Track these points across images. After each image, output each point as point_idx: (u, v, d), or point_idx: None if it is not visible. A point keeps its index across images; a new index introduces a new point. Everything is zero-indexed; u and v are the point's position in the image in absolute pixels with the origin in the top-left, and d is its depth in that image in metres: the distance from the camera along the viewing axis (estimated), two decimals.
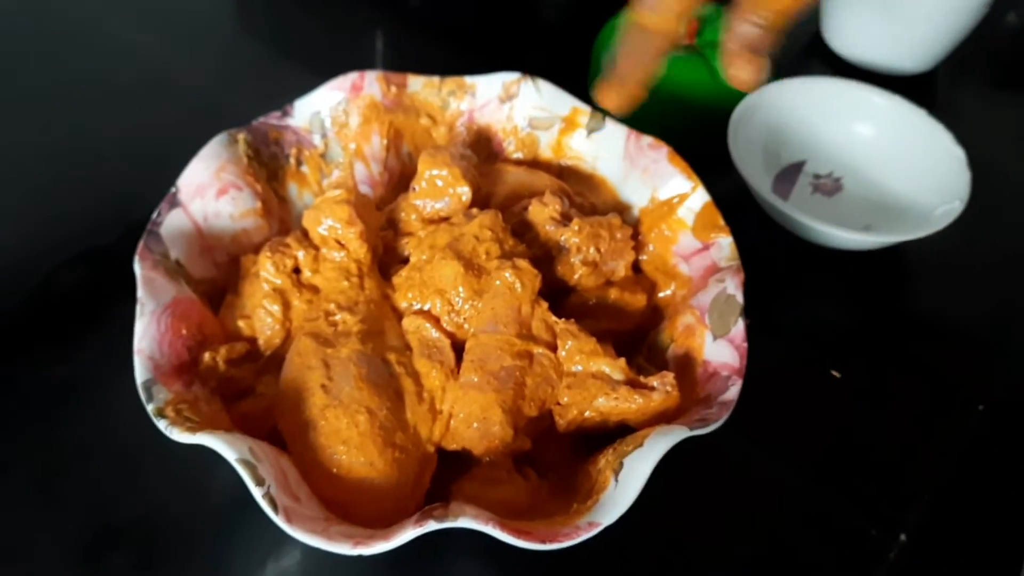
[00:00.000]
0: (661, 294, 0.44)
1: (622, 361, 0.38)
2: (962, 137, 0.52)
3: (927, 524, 0.41)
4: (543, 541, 0.32)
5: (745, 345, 0.38)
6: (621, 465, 0.34)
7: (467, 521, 0.32)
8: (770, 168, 0.55)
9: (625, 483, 0.33)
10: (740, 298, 0.39)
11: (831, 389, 0.46)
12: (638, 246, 0.44)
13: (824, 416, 0.45)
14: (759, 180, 0.50)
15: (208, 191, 0.42)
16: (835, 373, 0.46)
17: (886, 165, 0.54)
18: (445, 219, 0.42)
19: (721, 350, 0.38)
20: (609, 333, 0.41)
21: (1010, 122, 0.62)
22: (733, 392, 0.37)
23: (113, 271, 0.41)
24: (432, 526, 0.32)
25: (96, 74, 0.58)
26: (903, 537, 0.41)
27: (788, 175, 0.55)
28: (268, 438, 0.36)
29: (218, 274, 0.42)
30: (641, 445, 0.34)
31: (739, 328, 0.38)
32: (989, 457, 0.44)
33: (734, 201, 0.46)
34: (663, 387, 0.37)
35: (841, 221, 0.49)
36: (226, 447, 0.32)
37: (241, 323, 0.40)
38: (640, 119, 0.48)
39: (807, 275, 0.51)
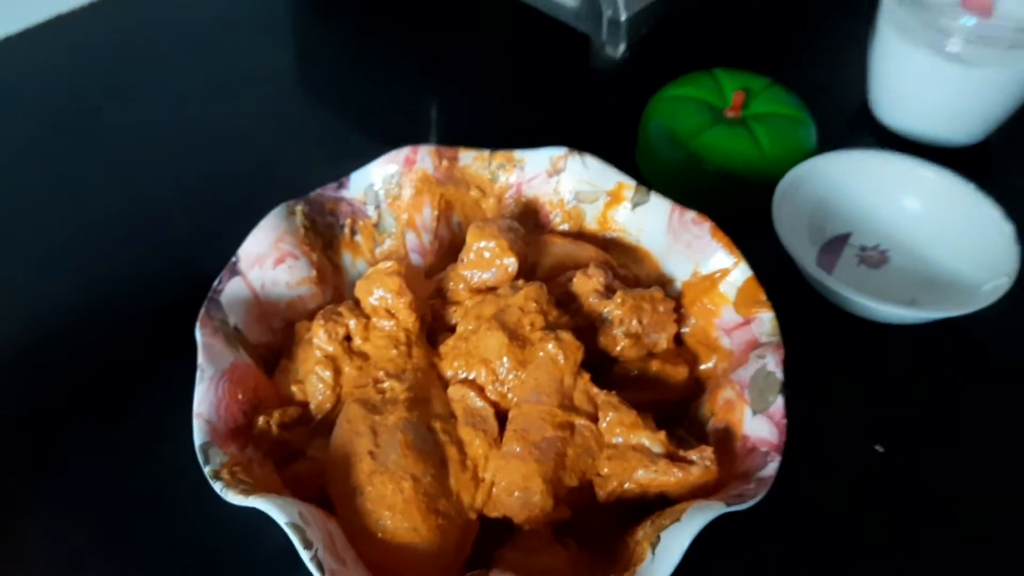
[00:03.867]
0: (703, 367, 0.45)
1: (662, 434, 0.39)
2: (1014, 211, 0.52)
3: None
4: None
5: (784, 422, 0.38)
6: (658, 539, 0.35)
7: None
8: (815, 240, 0.55)
9: (662, 557, 0.34)
10: (780, 375, 0.39)
11: (874, 465, 0.46)
12: (680, 319, 0.45)
13: (866, 490, 0.45)
14: (804, 252, 0.51)
15: (266, 260, 0.44)
16: (879, 448, 0.46)
17: (933, 238, 0.54)
18: (492, 289, 0.44)
19: (760, 426, 0.39)
20: (651, 404, 0.42)
21: None
22: (771, 469, 0.37)
23: (175, 334, 0.43)
24: None
25: (161, 139, 0.61)
26: None
27: (834, 247, 0.55)
28: (317, 501, 0.38)
29: (274, 339, 0.44)
30: (678, 520, 0.35)
31: (778, 405, 0.39)
32: None
33: (778, 273, 0.46)
34: (702, 461, 0.38)
35: (887, 294, 0.49)
36: (277, 511, 0.34)
37: (294, 388, 0.42)
38: (686, 189, 0.50)
39: (851, 348, 0.51)
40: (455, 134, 0.50)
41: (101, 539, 0.42)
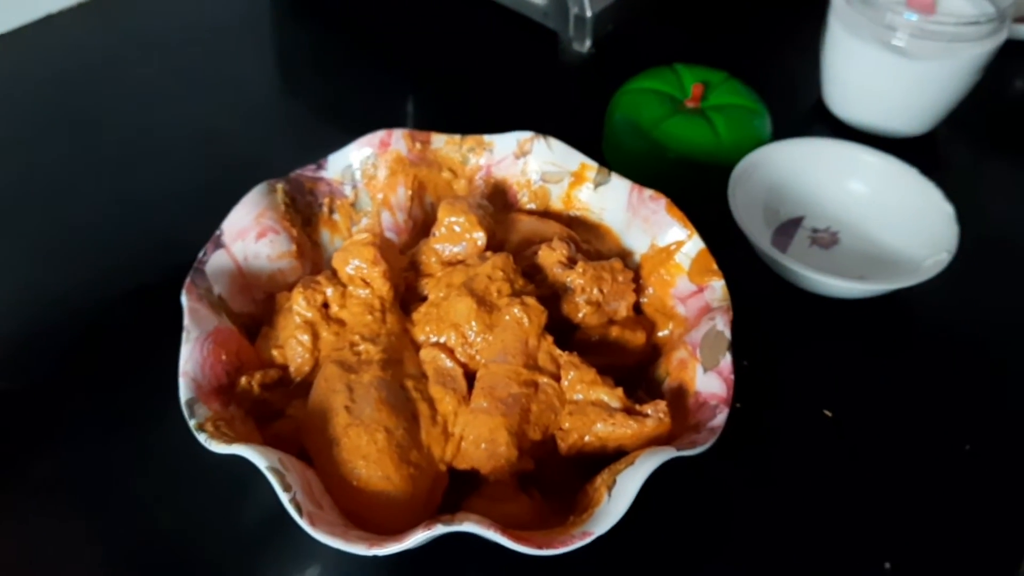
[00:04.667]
0: (660, 333, 0.47)
1: (619, 390, 0.42)
2: (954, 194, 0.55)
3: (912, 553, 0.44)
4: (540, 547, 0.35)
5: (732, 377, 0.41)
6: (615, 481, 0.37)
7: (471, 526, 0.35)
8: (770, 223, 0.58)
9: (617, 497, 0.37)
10: (728, 334, 0.42)
11: (823, 427, 0.49)
12: (639, 288, 0.48)
13: (814, 450, 0.48)
14: (759, 234, 0.54)
15: (249, 234, 0.46)
16: (827, 412, 0.49)
17: (880, 220, 0.58)
18: (461, 261, 0.46)
19: (711, 381, 0.42)
20: (611, 368, 0.44)
21: (1002, 181, 0.66)
22: (720, 419, 0.40)
23: (162, 306, 0.45)
24: (440, 529, 0.35)
25: (150, 133, 0.64)
26: (887, 565, 0.43)
27: (787, 229, 0.59)
28: (296, 457, 0.40)
29: (255, 309, 0.46)
30: (633, 463, 0.37)
31: (727, 361, 0.41)
32: (974, 494, 0.46)
33: (735, 254, 0.49)
34: (656, 414, 0.41)
35: (837, 272, 0.52)
36: (258, 456, 0.36)
37: (275, 352, 0.44)
38: (649, 176, 0.52)
39: (803, 321, 0.54)
40: (428, 128, 0.53)
41: (93, 501, 0.44)
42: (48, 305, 0.52)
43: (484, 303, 0.43)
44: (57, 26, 0.72)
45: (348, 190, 0.51)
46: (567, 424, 0.41)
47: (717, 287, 0.45)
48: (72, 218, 0.57)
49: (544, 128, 0.53)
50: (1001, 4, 0.61)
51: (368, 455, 0.39)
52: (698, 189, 0.55)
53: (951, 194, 0.55)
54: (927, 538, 0.44)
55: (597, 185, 0.51)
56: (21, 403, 0.47)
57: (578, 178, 0.51)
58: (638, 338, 0.46)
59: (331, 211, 0.50)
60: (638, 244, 0.49)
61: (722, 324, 0.43)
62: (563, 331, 0.45)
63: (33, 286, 0.53)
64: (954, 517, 0.45)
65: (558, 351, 0.43)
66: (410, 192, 0.51)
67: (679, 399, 0.43)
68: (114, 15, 0.74)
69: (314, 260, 0.49)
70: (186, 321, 0.41)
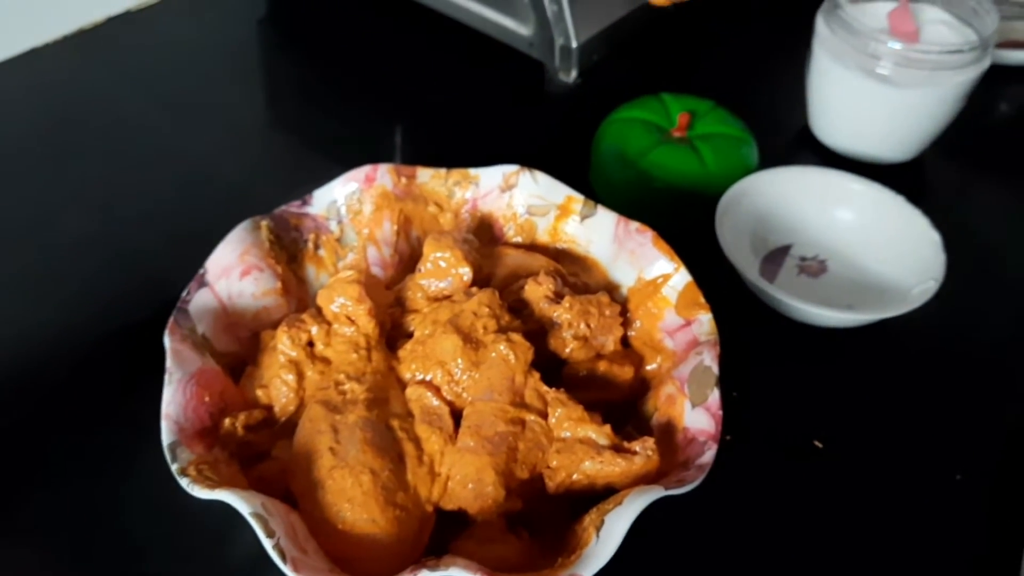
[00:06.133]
0: (648, 367, 0.47)
1: (607, 427, 0.41)
2: (940, 219, 0.55)
3: None
4: None
5: (720, 413, 0.41)
6: (603, 522, 0.37)
7: (458, 571, 0.34)
8: (758, 252, 0.58)
9: (605, 538, 0.36)
10: (715, 369, 0.42)
11: (813, 459, 0.48)
12: (626, 322, 0.47)
13: (805, 481, 0.47)
14: (747, 263, 0.54)
15: (233, 272, 0.46)
16: (817, 443, 0.49)
17: (867, 248, 0.58)
18: (448, 297, 0.46)
19: (699, 417, 0.41)
20: (599, 403, 0.44)
21: (987, 205, 0.66)
22: (709, 456, 0.39)
23: (144, 345, 0.45)
24: (426, 575, 0.34)
25: (133, 167, 0.63)
26: None
27: (775, 258, 0.59)
28: (281, 499, 0.39)
29: (240, 348, 0.46)
30: (621, 503, 0.37)
31: (715, 397, 0.41)
32: (966, 523, 0.46)
33: (723, 283, 0.49)
34: (644, 451, 0.40)
35: (826, 301, 0.52)
36: (241, 502, 0.36)
37: (259, 392, 0.43)
38: (636, 206, 0.52)
39: (792, 351, 0.54)
40: (416, 158, 0.53)
41: (74, 544, 0.43)
42: (29, 343, 0.51)
43: (470, 340, 0.43)
44: (42, 60, 0.72)
45: (334, 225, 0.50)
46: (555, 462, 0.41)
47: (704, 321, 0.45)
48: (53, 254, 0.57)
49: (530, 159, 0.53)
50: (984, 32, 0.61)
51: (353, 498, 0.38)
52: (685, 218, 0.55)
53: (937, 219, 0.56)
54: (920, 567, 0.44)
55: (583, 218, 0.51)
56: (1, 444, 0.46)
57: (564, 211, 0.51)
58: (626, 372, 0.46)
59: (316, 247, 0.50)
60: (625, 277, 0.49)
61: (709, 359, 0.42)
62: (550, 366, 0.45)
63: (13, 324, 0.52)
64: (947, 546, 0.45)
65: (545, 388, 0.42)
66: (396, 227, 0.51)
67: (667, 435, 0.42)
68: (99, 50, 0.74)
69: (299, 297, 0.49)
70: (168, 363, 0.41)
